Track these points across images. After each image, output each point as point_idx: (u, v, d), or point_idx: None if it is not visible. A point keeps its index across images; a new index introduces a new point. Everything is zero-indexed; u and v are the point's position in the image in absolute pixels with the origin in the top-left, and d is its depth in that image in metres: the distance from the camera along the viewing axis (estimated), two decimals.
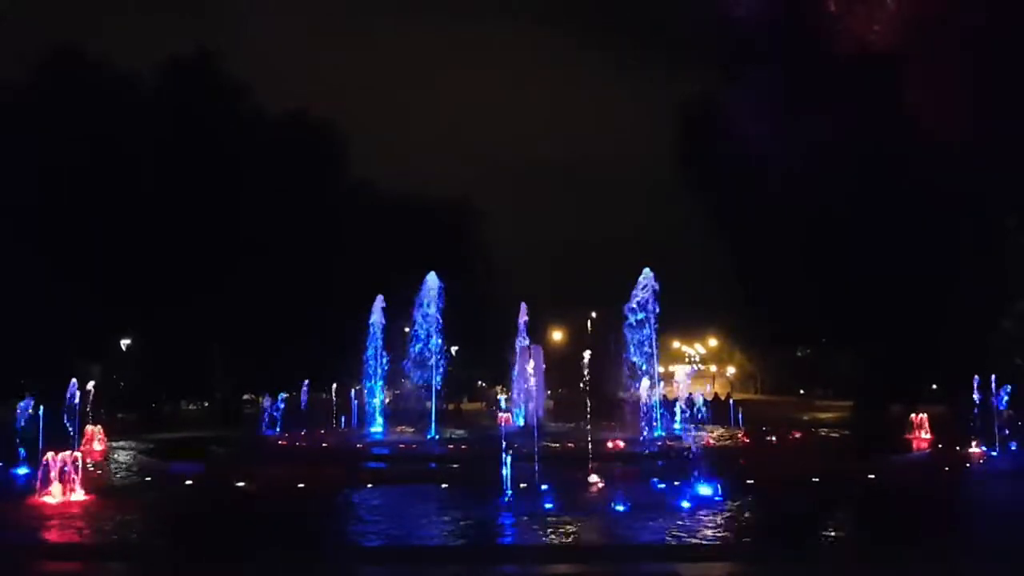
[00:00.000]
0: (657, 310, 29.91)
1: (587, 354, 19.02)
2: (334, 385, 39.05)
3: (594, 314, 59.71)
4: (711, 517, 13.48)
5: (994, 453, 22.32)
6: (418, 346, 31.70)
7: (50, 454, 15.87)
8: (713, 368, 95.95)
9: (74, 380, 24.11)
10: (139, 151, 38.35)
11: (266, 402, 33.18)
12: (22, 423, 20.88)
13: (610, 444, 24.45)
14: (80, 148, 37.37)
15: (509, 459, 14.93)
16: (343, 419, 35.12)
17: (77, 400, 23.86)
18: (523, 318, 34.10)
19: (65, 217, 36.64)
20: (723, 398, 46.43)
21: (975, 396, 24.29)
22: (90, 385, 26.66)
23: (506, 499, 14.75)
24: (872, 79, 33.81)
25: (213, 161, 39.94)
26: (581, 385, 18.71)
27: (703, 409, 32.63)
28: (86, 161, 37.26)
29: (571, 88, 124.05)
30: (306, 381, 38.40)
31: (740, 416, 34.95)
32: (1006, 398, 23.74)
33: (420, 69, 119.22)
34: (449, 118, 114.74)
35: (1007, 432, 23.41)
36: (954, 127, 29.74)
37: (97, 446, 26.43)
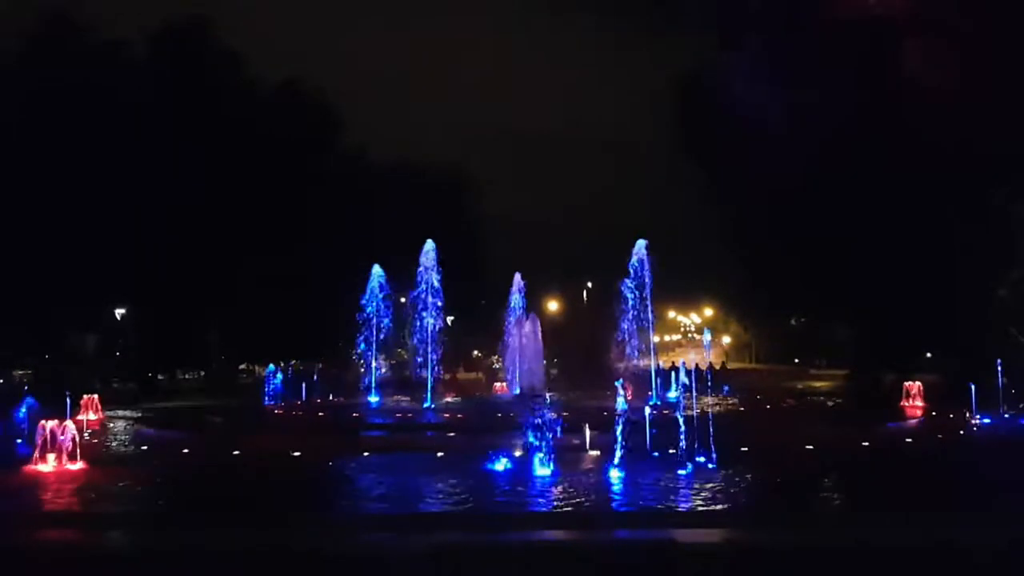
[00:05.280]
0: (652, 281, 29.90)
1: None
2: (330, 355, 39.12)
3: (590, 284, 59.71)
4: (707, 484, 13.56)
5: (987, 420, 22.46)
6: (414, 316, 31.70)
7: (46, 423, 15.87)
8: (709, 337, 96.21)
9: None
10: (131, 118, 37.92)
11: (266, 372, 33.29)
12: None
13: (605, 412, 24.51)
14: (70, 115, 36.98)
15: (505, 428, 14.97)
16: (340, 388, 35.19)
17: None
18: (518, 288, 34.09)
19: (57, 187, 36.32)
20: (718, 367, 46.57)
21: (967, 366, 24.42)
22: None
23: (502, 467, 14.82)
24: (870, 45, 33.57)
25: (206, 130, 39.56)
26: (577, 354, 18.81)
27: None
28: (77, 128, 36.88)
29: (566, 57, 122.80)
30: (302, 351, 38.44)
31: (735, 385, 35.08)
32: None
33: (416, 40, 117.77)
34: (443, 88, 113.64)
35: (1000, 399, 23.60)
36: (950, 94, 29.61)
37: (93, 415, 26.44)
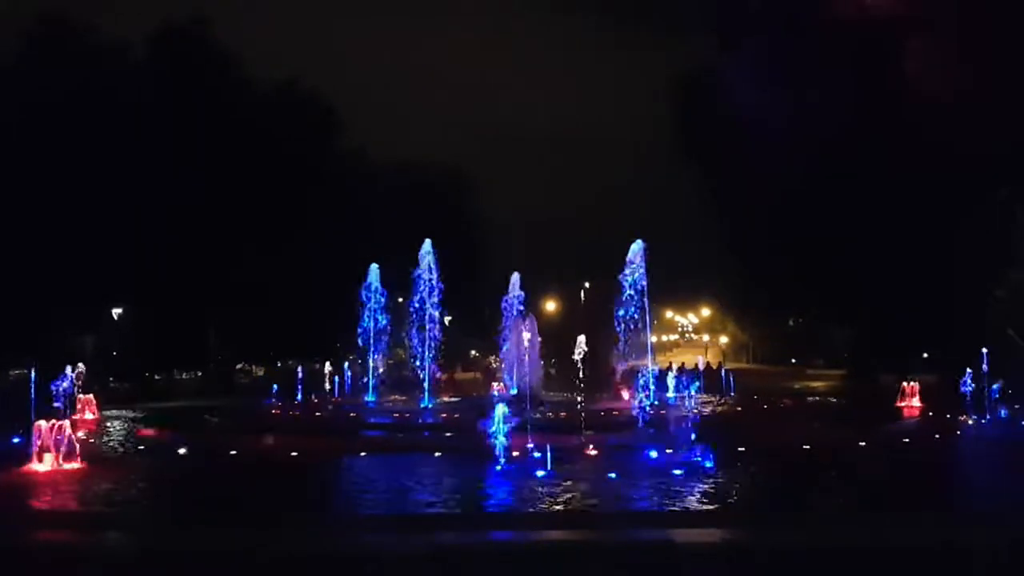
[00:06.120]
0: (648, 281, 29.89)
1: (582, 339, 19.07)
2: (328, 355, 39.05)
3: (587, 284, 59.73)
4: (703, 484, 13.55)
5: (984, 421, 22.47)
6: (413, 315, 31.70)
7: (41, 423, 15.83)
8: (706, 338, 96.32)
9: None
10: (131, 118, 37.90)
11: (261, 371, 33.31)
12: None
13: (603, 413, 24.53)
14: (70, 115, 36.94)
15: (502, 428, 14.96)
16: (337, 389, 35.18)
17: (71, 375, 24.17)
18: (516, 288, 34.07)
19: (56, 188, 36.25)
20: (715, 367, 46.57)
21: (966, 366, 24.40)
22: (80, 367, 26.64)
23: (499, 467, 14.80)
24: (870, 45, 33.62)
25: (206, 130, 39.52)
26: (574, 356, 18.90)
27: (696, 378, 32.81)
28: (76, 129, 36.84)
29: (566, 57, 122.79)
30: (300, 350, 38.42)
31: (732, 385, 35.11)
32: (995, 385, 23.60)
33: (416, 40, 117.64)
34: (444, 88, 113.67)
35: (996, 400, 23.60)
36: (950, 93, 29.65)
37: (89, 415, 26.41)
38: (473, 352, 60.33)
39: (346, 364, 37.68)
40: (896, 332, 37.20)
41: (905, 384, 28.62)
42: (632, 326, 29.86)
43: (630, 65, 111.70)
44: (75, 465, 15.62)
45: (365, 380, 33.49)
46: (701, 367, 37.13)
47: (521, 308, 33.91)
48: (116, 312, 43.52)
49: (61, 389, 23.48)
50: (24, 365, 42.59)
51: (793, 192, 36.33)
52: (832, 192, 35.05)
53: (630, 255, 29.62)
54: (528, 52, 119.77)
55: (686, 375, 34.44)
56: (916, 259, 34.19)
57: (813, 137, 33.50)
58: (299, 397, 32.24)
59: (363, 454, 17.94)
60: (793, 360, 62.55)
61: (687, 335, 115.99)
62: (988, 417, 22.67)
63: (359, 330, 33.31)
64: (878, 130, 33.95)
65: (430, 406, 29.00)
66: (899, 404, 27.60)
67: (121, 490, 13.97)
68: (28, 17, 40.44)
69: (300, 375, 34.05)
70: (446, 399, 31.60)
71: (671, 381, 32.20)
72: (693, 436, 15.31)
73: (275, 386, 32.88)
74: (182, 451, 18.34)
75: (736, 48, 37.93)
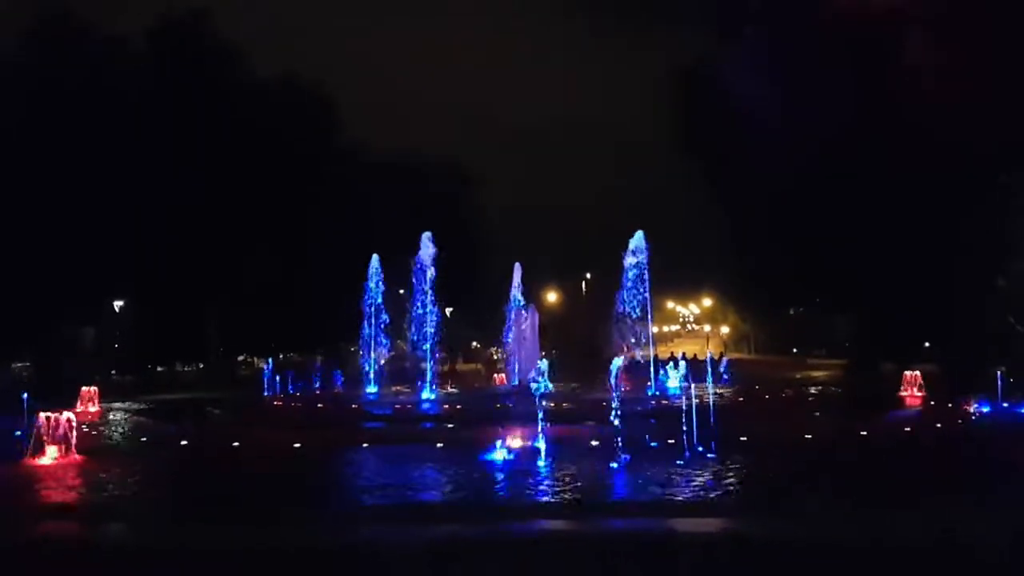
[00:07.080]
0: (650, 272, 29.90)
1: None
2: (329, 347, 39.15)
3: (589, 275, 59.79)
4: (705, 474, 13.56)
5: (986, 409, 22.47)
6: (413, 307, 31.75)
7: (44, 415, 15.85)
8: (707, 328, 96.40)
9: None
10: (131, 115, 37.82)
11: (264, 365, 33.47)
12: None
13: (604, 403, 24.52)
14: (70, 112, 36.87)
15: (504, 418, 14.97)
16: (338, 380, 35.25)
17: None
18: (517, 279, 34.10)
19: (57, 185, 36.21)
20: (716, 357, 46.65)
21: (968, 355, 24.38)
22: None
23: (501, 457, 14.82)
24: (869, 38, 33.51)
25: (204, 126, 39.43)
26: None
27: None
28: (77, 125, 36.76)
29: (566, 56, 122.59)
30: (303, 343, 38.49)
31: (734, 375, 35.15)
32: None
33: (416, 40, 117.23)
34: (444, 87, 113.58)
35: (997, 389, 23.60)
36: (951, 85, 29.54)
37: (92, 407, 26.46)
38: (474, 343, 60.39)
39: (347, 356, 37.77)
40: (898, 322, 37.17)
41: (907, 373, 28.61)
42: (633, 316, 29.89)
43: (630, 64, 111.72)
44: (78, 458, 15.65)
45: (367, 372, 33.56)
46: (703, 357, 37.19)
47: (522, 299, 33.96)
48: (117, 305, 43.56)
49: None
50: (25, 358, 42.93)
51: (793, 189, 36.23)
52: (832, 188, 34.95)
53: (631, 245, 29.64)
54: (528, 52, 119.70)
55: (687, 365, 34.47)
56: (916, 254, 34.12)
57: (813, 134, 33.39)
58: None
59: (365, 445, 17.95)
60: (795, 350, 62.61)
61: (688, 325, 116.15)
62: (990, 405, 22.66)
63: (361, 322, 33.40)
64: (878, 128, 33.84)
65: (432, 397, 29.06)
66: (901, 393, 27.61)
67: (123, 483, 13.99)
68: (28, 16, 40.32)
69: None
70: (448, 390, 31.67)
71: (672, 371, 32.26)
72: (695, 426, 15.31)
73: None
74: (184, 443, 18.37)
75: (736, 46, 37.82)
